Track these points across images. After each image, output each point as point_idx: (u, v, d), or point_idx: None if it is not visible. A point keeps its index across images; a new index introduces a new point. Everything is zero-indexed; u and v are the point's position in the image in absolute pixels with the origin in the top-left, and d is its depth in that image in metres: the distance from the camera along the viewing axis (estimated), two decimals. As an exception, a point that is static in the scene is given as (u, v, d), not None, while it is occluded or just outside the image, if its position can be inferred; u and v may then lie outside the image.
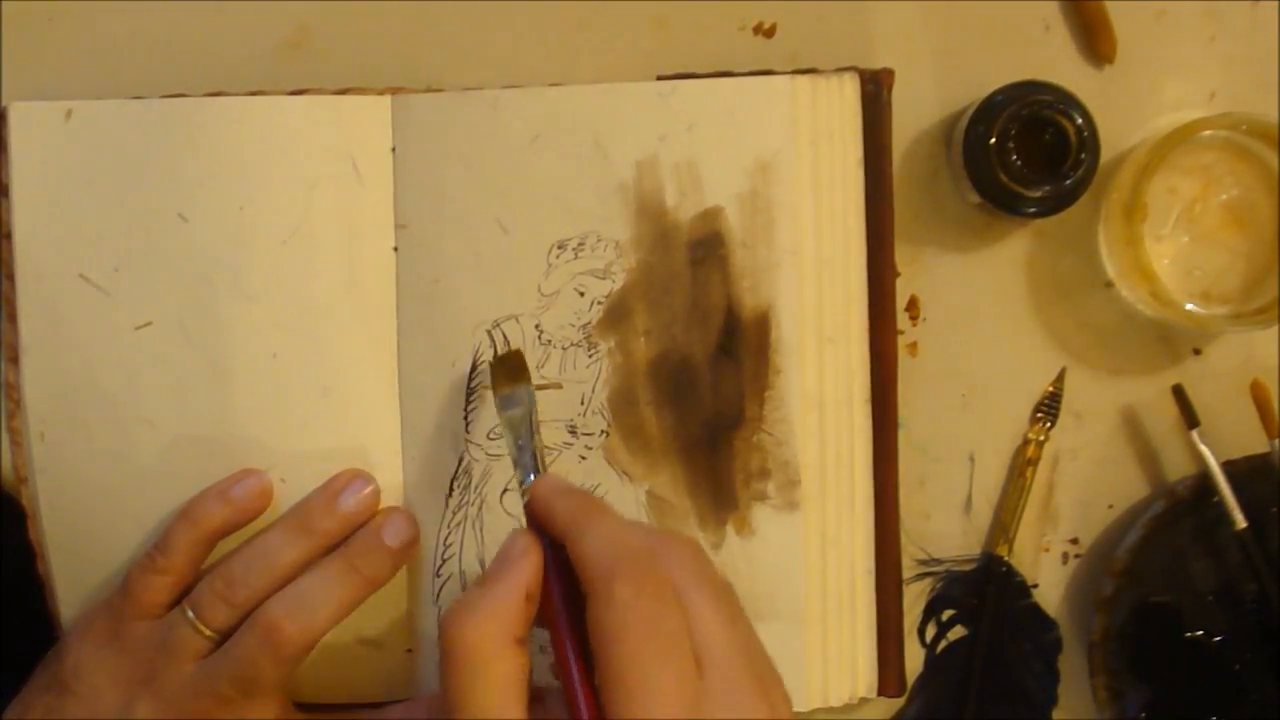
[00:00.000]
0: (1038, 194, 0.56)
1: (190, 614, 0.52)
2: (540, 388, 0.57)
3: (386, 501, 0.56)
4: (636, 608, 0.42)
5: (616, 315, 0.57)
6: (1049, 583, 0.61)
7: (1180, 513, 0.60)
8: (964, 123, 0.57)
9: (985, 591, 0.60)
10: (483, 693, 0.43)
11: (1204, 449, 0.59)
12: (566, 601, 0.45)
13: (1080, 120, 0.56)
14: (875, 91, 0.57)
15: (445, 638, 0.43)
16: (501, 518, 0.57)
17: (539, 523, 0.47)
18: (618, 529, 0.45)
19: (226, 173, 0.56)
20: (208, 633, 0.52)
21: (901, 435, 0.59)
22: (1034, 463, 0.60)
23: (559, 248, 0.57)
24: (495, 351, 0.57)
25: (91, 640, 0.54)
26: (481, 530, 0.57)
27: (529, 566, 0.45)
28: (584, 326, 0.57)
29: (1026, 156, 0.56)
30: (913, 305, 0.61)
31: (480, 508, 0.57)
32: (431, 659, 0.57)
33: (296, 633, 0.51)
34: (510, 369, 0.54)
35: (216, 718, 0.52)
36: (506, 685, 0.43)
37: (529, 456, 0.51)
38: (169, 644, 0.52)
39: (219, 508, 0.55)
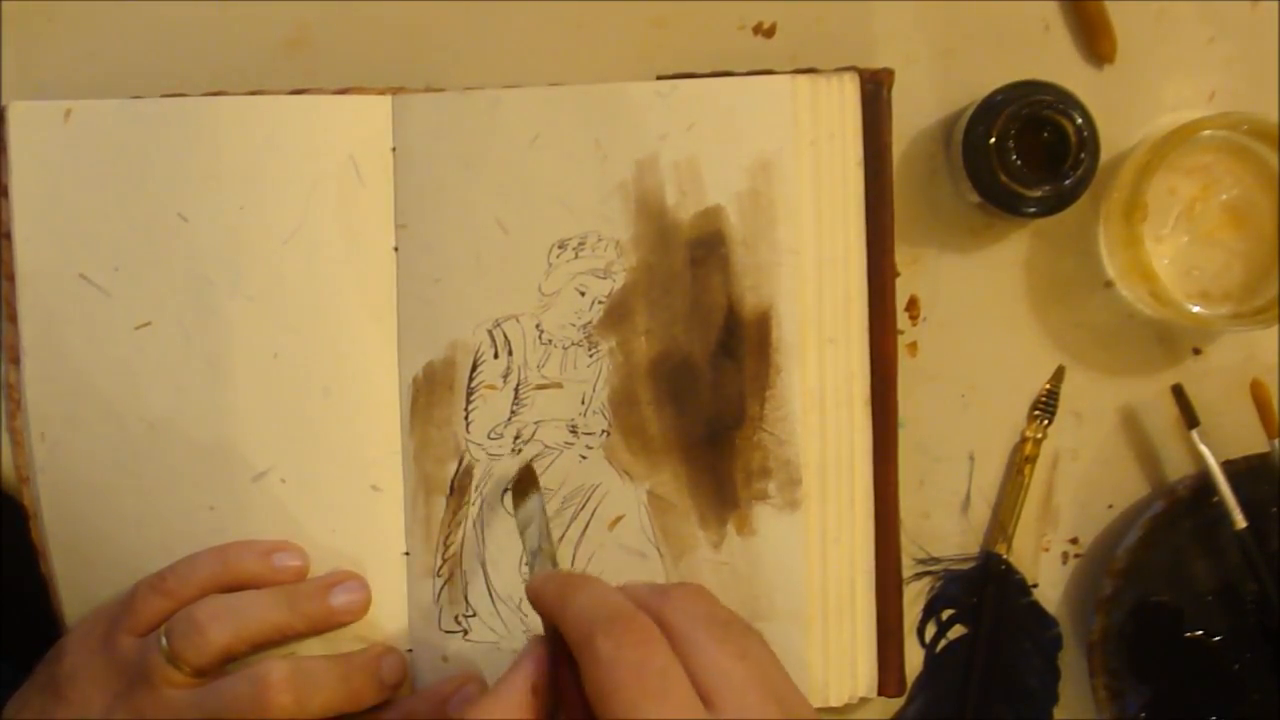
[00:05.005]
0: (1037, 194, 0.56)
1: (164, 641, 0.52)
2: (541, 387, 0.57)
3: (387, 494, 0.57)
4: (619, 657, 0.42)
5: (617, 315, 0.57)
6: (1049, 582, 0.61)
7: (1180, 513, 0.60)
8: (964, 123, 0.57)
9: (985, 590, 0.60)
10: None
11: (1204, 449, 0.59)
12: (585, 699, 0.44)
13: (1080, 120, 0.56)
14: (875, 91, 0.57)
15: None
16: (503, 518, 0.57)
17: (541, 615, 0.47)
18: (598, 593, 0.45)
19: (226, 173, 0.56)
20: (177, 663, 0.52)
21: (901, 435, 0.59)
22: (1031, 461, 0.60)
23: (559, 247, 0.57)
24: (495, 351, 0.57)
25: (88, 646, 0.54)
26: (482, 530, 0.57)
27: (532, 662, 0.46)
28: (585, 326, 0.57)
29: (1026, 156, 0.56)
30: (913, 305, 0.61)
31: (481, 507, 0.57)
32: (431, 659, 0.57)
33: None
34: (521, 487, 0.55)
35: None
36: None
37: (541, 562, 0.52)
38: (143, 665, 0.52)
39: (254, 564, 0.55)
